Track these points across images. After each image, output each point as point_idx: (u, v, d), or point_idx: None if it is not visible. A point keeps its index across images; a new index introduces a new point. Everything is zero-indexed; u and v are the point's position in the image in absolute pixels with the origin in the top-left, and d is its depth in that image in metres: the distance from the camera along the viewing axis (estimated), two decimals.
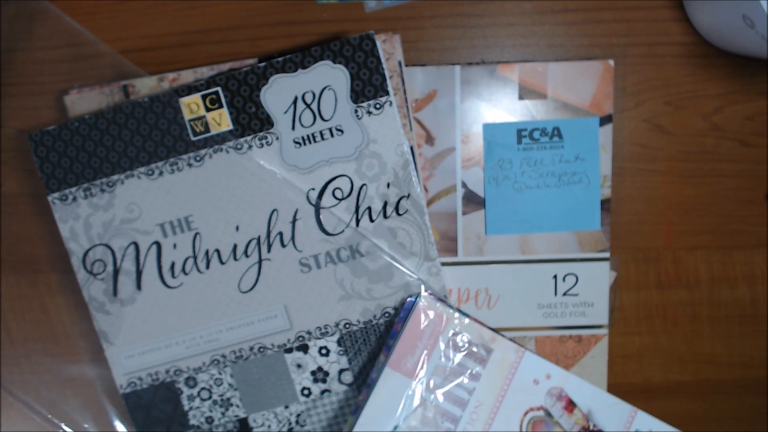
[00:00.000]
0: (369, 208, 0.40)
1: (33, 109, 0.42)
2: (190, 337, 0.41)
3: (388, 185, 0.40)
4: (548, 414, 0.40)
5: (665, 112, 0.42)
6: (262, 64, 0.39)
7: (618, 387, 0.44)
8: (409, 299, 0.40)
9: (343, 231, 0.40)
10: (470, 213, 0.42)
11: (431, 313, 0.39)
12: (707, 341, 0.44)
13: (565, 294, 0.43)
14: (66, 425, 0.45)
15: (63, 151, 0.40)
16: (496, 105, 0.41)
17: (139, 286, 0.40)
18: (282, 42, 0.42)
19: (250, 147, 0.40)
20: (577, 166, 0.42)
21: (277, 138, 0.40)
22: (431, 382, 0.39)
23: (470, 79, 0.41)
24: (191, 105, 0.39)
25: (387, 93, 0.39)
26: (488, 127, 0.41)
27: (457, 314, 0.39)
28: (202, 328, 0.41)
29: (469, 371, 0.40)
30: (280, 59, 0.39)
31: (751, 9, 0.35)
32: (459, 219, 0.42)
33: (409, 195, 0.40)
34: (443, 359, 0.39)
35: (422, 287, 0.40)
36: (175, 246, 0.40)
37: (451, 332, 0.39)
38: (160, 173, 0.40)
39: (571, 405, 0.40)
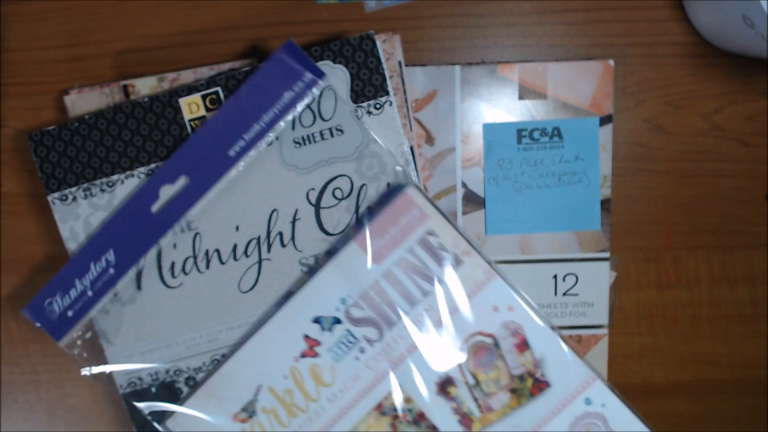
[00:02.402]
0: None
1: (33, 109, 0.42)
2: (190, 337, 0.41)
3: (388, 185, 0.40)
4: (496, 345, 0.38)
5: (665, 112, 0.42)
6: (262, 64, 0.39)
7: (618, 387, 0.44)
8: (399, 186, 0.39)
9: (343, 231, 0.40)
10: (470, 213, 0.42)
11: (415, 206, 0.38)
12: (707, 341, 0.44)
13: (565, 294, 0.43)
14: (66, 425, 0.45)
15: (63, 151, 0.40)
16: (496, 105, 0.41)
17: (139, 286, 0.40)
18: (282, 42, 0.42)
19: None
20: (577, 166, 0.42)
21: (277, 138, 0.40)
22: (391, 271, 0.38)
23: (470, 79, 0.41)
24: (191, 105, 0.39)
25: (387, 93, 0.39)
26: (488, 127, 0.41)
27: (440, 216, 0.38)
28: (202, 328, 0.41)
29: (431, 274, 0.38)
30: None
31: (751, 9, 0.35)
32: (459, 219, 0.42)
33: None
34: (410, 254, 0.38)
35: (415, 182, 0.39)
36: (175, 246, 0.40)
37: (426, 231, 0.38)
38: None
39: (524, 345, 0.38)
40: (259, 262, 0.40)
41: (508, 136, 0.42)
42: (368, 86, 0.39)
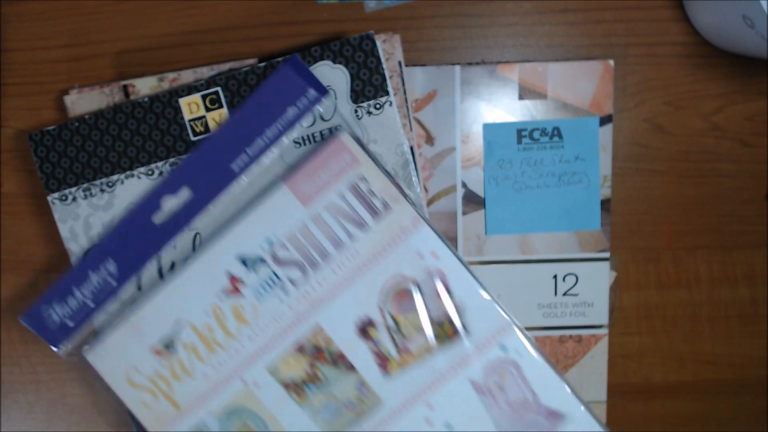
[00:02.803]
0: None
1: (33, 109, 0.42)
2: None
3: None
4: (418, 290, 0.39)
5: (665, 112, 0.42)
6: (262, 64, 0.39)
7: (618, 387, 0.44)
8: (331, 130, 0.39)
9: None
10: (470, 213, 0.42)
11: (346, 151, 0.38)
12: (707, 341, 0.44)
13: (565, 294, 0.43)
14: (66, 425, 0.45)
15: (63, 151, 0.40)
16: (496, 105, 0.41)
17: (139, 287, 0.40)
18: (282, 42, 0.42)
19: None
20: (577, 166, 0.42)
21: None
22: (319, 214, 0.39)
23: (470, 79, 0.41)
24: (191, 105, 0.39)
25: (387, 93, 0.39)
26: (488, 127, 0.41)
27: (371, 163, 0.38)
28: None
29: (359, 219, 0.39)
30: (280, 59, 0.39)
31: (751, 9, 0.35)
32: (459, 219, 0.42)
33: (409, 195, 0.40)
34: (339, 199, 0.38)
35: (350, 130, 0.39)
36: (175, 246, 0.40)
37: (357, 176, 0.38)
38: (160, 173, 0.40)
39: (445, 292, 0.39)
40: None
41: (508, 136, 0.42)
42: (368, 86, 0.39)
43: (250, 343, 0.39)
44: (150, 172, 0.40)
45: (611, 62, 0.41)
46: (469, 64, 0.41)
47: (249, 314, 0.39)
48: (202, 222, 0.40)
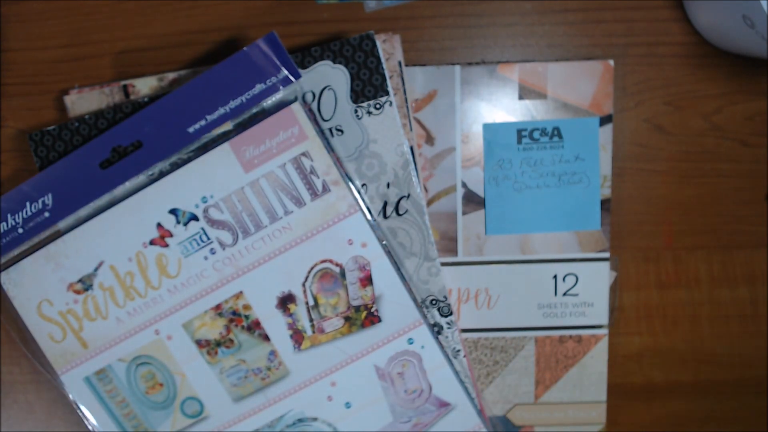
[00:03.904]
0: (368, 209, 0.40)
1: (33, 109, 0.42)
2: None
3: (388, 185, 0.40)
4: (342, 274, 0.40)
5: (665, 112, 0.42)
6: None
7: (618, 387, 0.44)
8: (285, 101, 0.39)
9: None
10: (470, 213, 0.42)
11: (295, 123, 0.38)
12: (707, 341, 0.44)
13: (565, 294, 0.43)
14: (66, 425, 0.45)
15: (63, 151, 0.40)
16: (496, 105, 0.41)
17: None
18: (282, 42, 0.42)
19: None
20: (577, 166, 0.42)
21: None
22: (258, 182, 0.39)
23: (470, 79, 0.41)
24: None
25: (387, 93, 0.39)
26: (488, 127, 0.41)
27: (318, 140, 0.38)
28: None
29: (297, 195, 0.39)
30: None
31: (751, 9, 0.35)
32: (459, 219, 0.42)
33: (408, 195, 0.40)
34: (281, 170, 0.38)
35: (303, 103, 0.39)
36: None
37: (301, 152, 0.38)
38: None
39: (367, 281, 0.40)
40: None
41: (508, 136, 0.42)
42: (368, 86, 0.39)
43: (168, 296, 0.40)
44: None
45: (611, 62, 0.41)
46: (469, 64, 0.41)
47: (172, 267, 0.39)
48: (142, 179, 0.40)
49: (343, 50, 0.39)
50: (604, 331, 0.43)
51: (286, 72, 0.38)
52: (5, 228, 0.39)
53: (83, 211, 0.39)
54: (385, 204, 0.40)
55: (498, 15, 0.42)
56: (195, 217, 0.39)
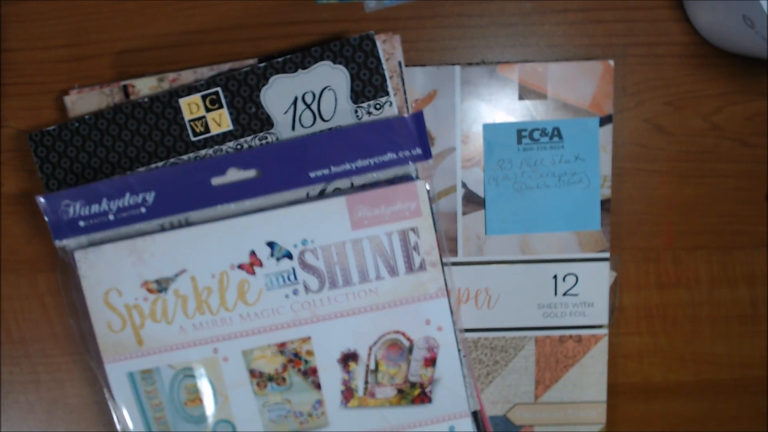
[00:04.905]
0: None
1: (33, 109, 0.42)
2: None
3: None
4: (410, 350, 0.40)
5: (665, 112, 0.42)
6: (262, 65, 0.39)
7: (618, 387, 0.44)
8: (410, 176, 0.40)
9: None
10: (470, 213, 0.42)
11: (414, 199, 0.39)
12: (707, 341, 0.44)
13: (565, 294, 0.43)
14: (66, 425, 0.45)
15: (63, 151, 0.40)
16: (496, 105, 0.41)
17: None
18: (282, 42, 0.42)
19: (250, 147, 0.40)
20: (577, 166, 0.42)
21: (277, 138, 0.40)
22: (360, 242, 0.39)
23: (470, 79, 0.41)
24: (191, 105, 0.39)
25: (387, 93, 0.39)
26: (488, 127, 0.41)
27: (430, 220, 0.39)
28: None
29: (393, 265, 0.39)
30: (280, 59, 0.39)
31: (751, 9, 0.35)
32: (459, 219, 0.42)
33: None
34: (385, 238, 0.39)
35: (428, 183, 0.40)
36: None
37: (412, 226, 0.39)
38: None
39: (431, 362, 0.40)
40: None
41: (508, 136, 0.42)
42: (368, 86, 0.39)
43: (238, 321, 0.40)
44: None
45: (611, 62, 0.41)
46: (469, 64, 0.41)
47: (251, 296, 0.39)
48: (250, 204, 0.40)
49: (343, 50, 0.39)
50: (604, 331, 0.43)
51: (420, 151, 0.39)
52: (97, 210, 0.39)
53: (181, 218, 0.40)
54: None
55: (498, 15, 0.42)
56: (290, 256, 0.39)
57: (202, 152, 0.39)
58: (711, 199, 0.43)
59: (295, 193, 0.40)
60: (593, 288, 0.43)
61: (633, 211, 0.43)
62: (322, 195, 0.39)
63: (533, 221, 0.42)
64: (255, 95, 0.39)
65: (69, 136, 0.40)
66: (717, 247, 0.43)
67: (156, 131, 0.40)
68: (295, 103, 0.39)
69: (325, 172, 0.39)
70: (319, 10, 0.41)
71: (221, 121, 0.39)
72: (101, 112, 0.40)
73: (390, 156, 0.39)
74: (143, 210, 0.39)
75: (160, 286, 0.39)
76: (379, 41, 0.39)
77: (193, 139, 0.40)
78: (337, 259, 0.39)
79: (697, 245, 0.43)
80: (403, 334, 0.40)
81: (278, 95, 0.39)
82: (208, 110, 0.39)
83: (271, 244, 0.39)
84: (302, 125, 0.39)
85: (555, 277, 0.42)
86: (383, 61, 0.39)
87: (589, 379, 0.43)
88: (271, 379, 0.40)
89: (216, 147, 0.40)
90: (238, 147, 0.39)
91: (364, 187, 0.39)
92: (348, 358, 0.40)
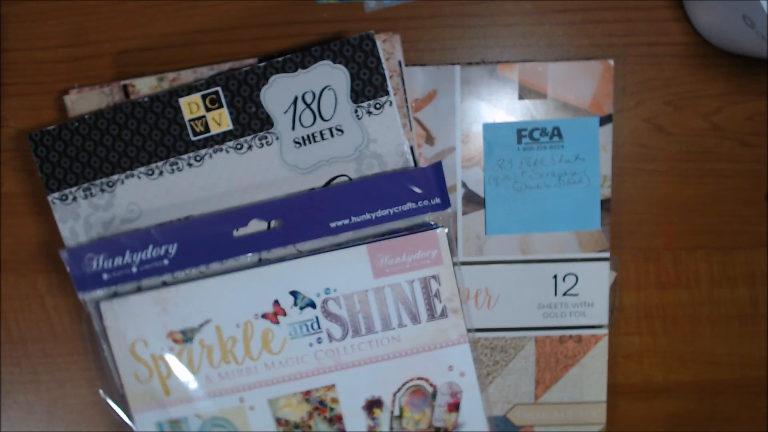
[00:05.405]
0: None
1: (33, 109, 0.42)
2: None
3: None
4: (433, 395, 0.41)
5: (665, 112, 0.42)
6: (262, 64, 0.39)
7: (618, 387, 0.44)
8: (432, 222, 0.40)
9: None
10: (470, 213, 0.42)
11: (435, 247, 0.39)
12: (707, 341, 0.44)
13: (565, 294, 0.43)
14: (66, 425, 0.45)
15: (63, 151, 0.40)
16: (496, 105, 0.41)
17: (139, 287, 0.40)
18: (282, 42, 0.42)
19: (250, 147, 0.40)
20: (577, 166, 0.42)
21: (277, 138, 0.40)
22: (382, 290, 0.39)
23: (470, 79, 0.41)
24: (191, 105, 0.39)
25: (387, 93, 0.39)
26: (488, 127, 0.41)
27: (451, 267, 0.39)
28: None
29: (415, 312, 0.40)
30: (280, 59, 0.39)
31: (751, 9, 0.35)
32: (459, 219, 0.42)
33: None
34: (407, 286, 0.39)
35: (447, 229, 0.40)
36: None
37: (433, 274, 0.39)
38: (160, 173, 0.40)
39: (454, 407, 0.41)
40: (260, 262, 0.40)
41: (508, 136, 0.42)
42: (368, 86, 0.39)
43: (264, 370, 0.40)
44: (150, 172, 0.40)
45: (611, 62, 0.41)
46: (469, 64, 0.41)
47: (276, 344, 0.40)
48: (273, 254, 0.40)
49: (343, 50, 0.39)
50: (604, 331, 0.43)
51: (439, 200, 0.39)
52: (120, 263, 0.39)
53: (204, 269, 0.40)
54: None
55: (498, 15, 0.42)
56: (313, 305, 0.39)
57: (202, 152, 0.40)
58: (711, 199, 0.43)
59: (316, 242, 0.40)
60: (593, 288, 0.43)
61: (633, 211, 0.43)
62: (343, 244, 0.40)
63: (533, 221, 0.42)
64: (255, 95, 0.39)
65: (69, 135, 0.40)
66: (717, 247, 0.43)
67: (156, 131, 0.40)
68: (295, 102, 0.39)
69: (345, 222, 0.39)
70: (319, 10, 0.41)
71: (221, 120, 0.39)
72: (101, 112, 0.40)
73: (410, 205, 0.39)
74: (166, 262, 0.39)
75: (186, 336, 0.40)
76: (379, 41, 0.39)
77: (193, 138, 0.40)
78: (359, 307, 0.40)
79: (697, 245, 0.43)
80: (427, 381, 0.41)
81: (278, 95, 0.39)
82: (208, 110, 0.39)
83: (294, 293, 0.39)
84: (302, 125, 0.39)
85: (555, 277, 0.42)
86: (383, 60, 0.39)
87: (589, 379, 0.43)
88: (297, 427, 0.41)
89: (216, 146, 0.40)
90: (239, 146, 0.39)
91: (384, 235, 0.40)
92: (373, 405, 0.41)
